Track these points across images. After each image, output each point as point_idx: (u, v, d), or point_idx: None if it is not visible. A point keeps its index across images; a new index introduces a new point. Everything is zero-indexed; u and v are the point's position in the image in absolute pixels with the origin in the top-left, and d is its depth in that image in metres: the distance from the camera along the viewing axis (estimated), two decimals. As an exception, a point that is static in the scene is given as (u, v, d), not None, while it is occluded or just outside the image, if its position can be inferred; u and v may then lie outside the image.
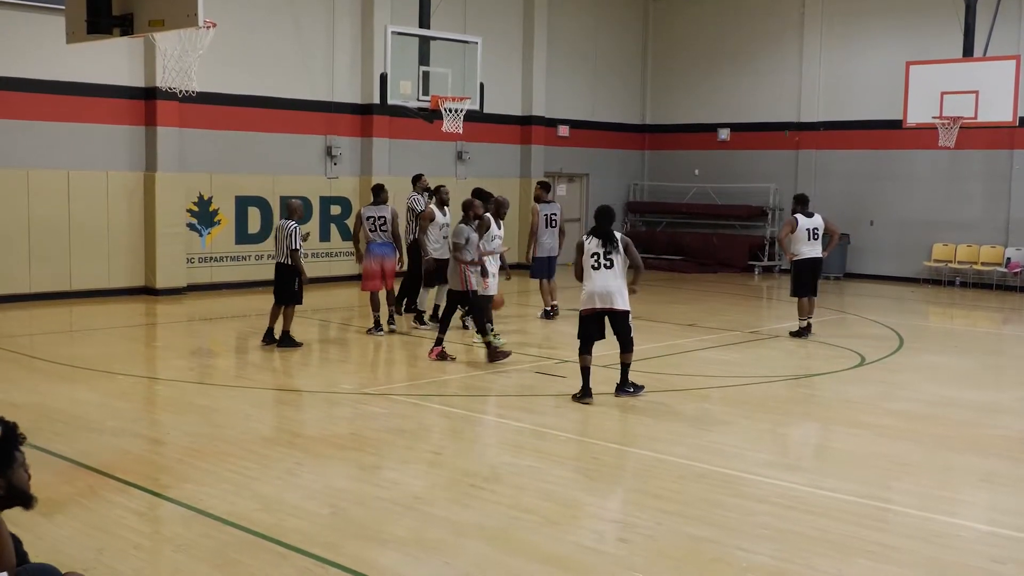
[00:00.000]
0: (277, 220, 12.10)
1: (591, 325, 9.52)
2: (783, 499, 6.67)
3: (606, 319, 9.53)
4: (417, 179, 15.18)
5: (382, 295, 13.29)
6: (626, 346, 9.60)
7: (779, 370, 11.41)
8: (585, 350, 9.51)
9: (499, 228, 12.30)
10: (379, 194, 13.30)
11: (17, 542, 3.90)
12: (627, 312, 9.50)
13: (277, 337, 12.04)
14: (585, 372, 9.46)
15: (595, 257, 9.41)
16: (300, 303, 12.14)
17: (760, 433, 8.60)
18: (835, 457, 7.93)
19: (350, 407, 9.30)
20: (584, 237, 9.62)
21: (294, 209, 12.17)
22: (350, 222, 18.50)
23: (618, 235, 9.50)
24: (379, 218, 13.13)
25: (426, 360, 11.53)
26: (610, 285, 9.38)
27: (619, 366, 9.70)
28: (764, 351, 12.74)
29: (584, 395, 9.39)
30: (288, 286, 11.96)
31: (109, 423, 8.48)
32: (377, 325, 13.21)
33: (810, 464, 7.74)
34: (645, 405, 9.51)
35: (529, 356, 11.97)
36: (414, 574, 5.36)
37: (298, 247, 11.86)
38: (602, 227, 9.51)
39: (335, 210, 19.44)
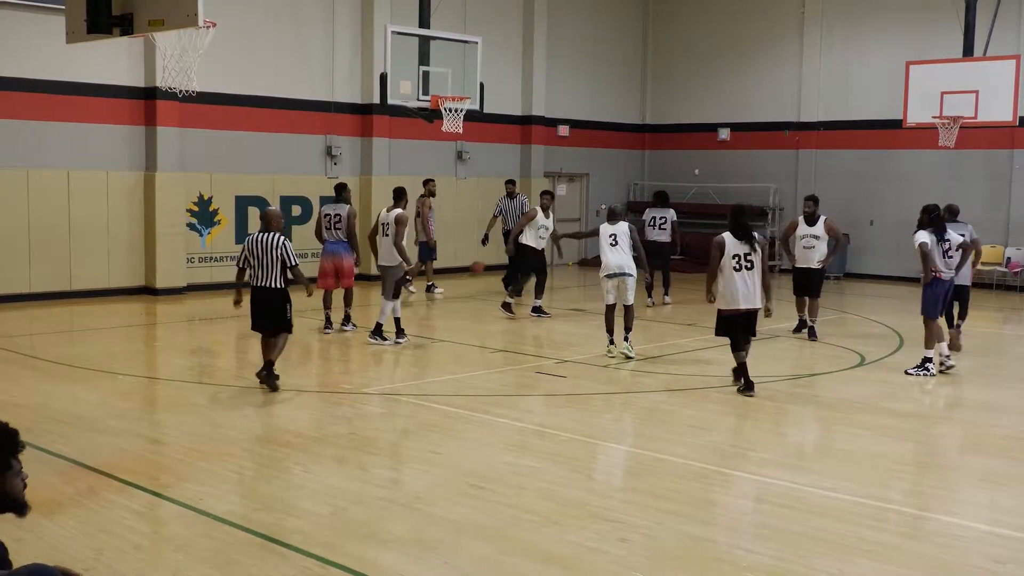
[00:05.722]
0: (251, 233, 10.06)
1: (736, 324, 9.79)
2: (783, 499, 6.67)
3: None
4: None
5: (338, 294, 13.27)
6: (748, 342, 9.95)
7: (779, 370, 11.40)
8: (737, 347, 9.85)
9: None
10: (340, 193, 13.37)
11: (3, 549, 3.82)
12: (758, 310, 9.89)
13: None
14: (742, 367, 9.84)
15: (736, 259, 9.61)
16: (291, 331, 10.01)
17: (760, 433, 8.60)
18: (835, 457, 7.93)
19: (350, 407, 9.30)
20: (725, 236, 9.70)
21: (274, 218, 9.86)
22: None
23: (756, 235, 9.76)
24: (335, 215, 13.11)
25: (426, 360, 11.52)
26: (751, 285, 9.67)
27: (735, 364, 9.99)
28: (764, 351, 12.72)
29: (747, 388, 9.76)
30: (281, 312, 9.78)
31: (109, 423, 8.49)
32: (328, 323, 13.24)
33: (810, 464, 7.73)
34: (645, 405, 9.52)
35: (529, 356, 11.97)
36: (414, 574, 5.36)
37: (296, 262, 9.73)
38: (741, 226, 9.68)
39: (335, 210, 19.41)
